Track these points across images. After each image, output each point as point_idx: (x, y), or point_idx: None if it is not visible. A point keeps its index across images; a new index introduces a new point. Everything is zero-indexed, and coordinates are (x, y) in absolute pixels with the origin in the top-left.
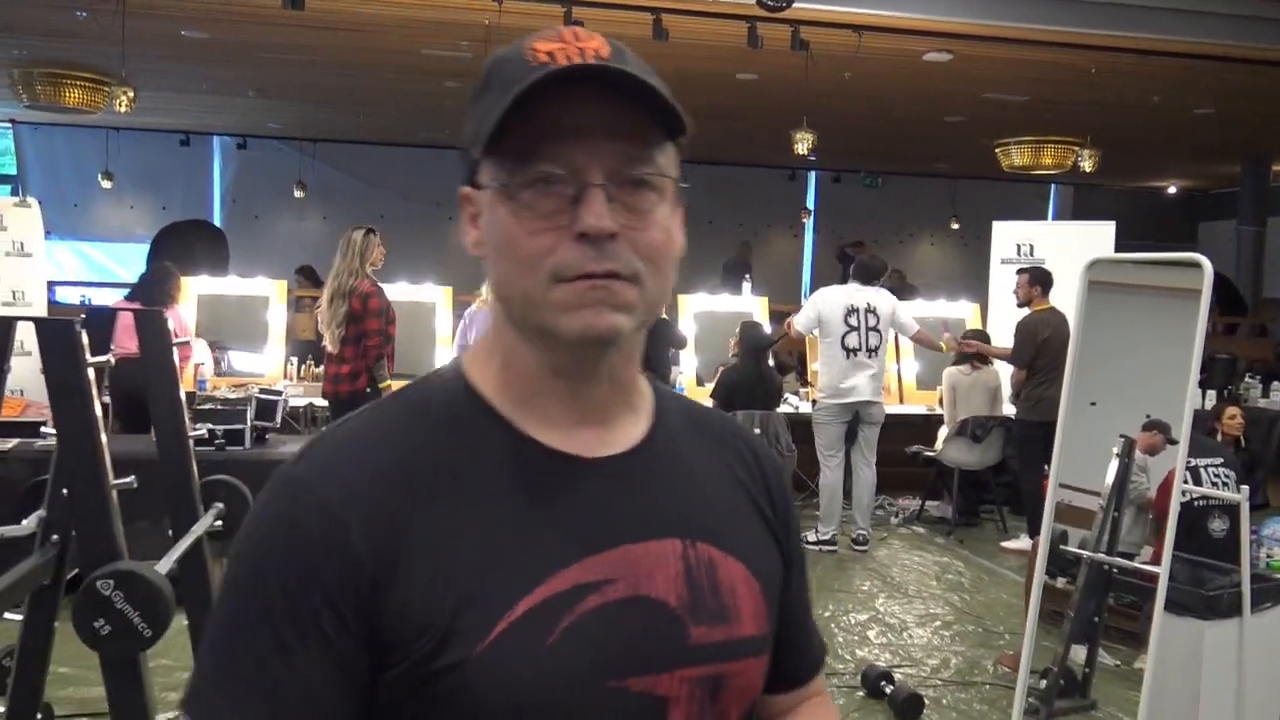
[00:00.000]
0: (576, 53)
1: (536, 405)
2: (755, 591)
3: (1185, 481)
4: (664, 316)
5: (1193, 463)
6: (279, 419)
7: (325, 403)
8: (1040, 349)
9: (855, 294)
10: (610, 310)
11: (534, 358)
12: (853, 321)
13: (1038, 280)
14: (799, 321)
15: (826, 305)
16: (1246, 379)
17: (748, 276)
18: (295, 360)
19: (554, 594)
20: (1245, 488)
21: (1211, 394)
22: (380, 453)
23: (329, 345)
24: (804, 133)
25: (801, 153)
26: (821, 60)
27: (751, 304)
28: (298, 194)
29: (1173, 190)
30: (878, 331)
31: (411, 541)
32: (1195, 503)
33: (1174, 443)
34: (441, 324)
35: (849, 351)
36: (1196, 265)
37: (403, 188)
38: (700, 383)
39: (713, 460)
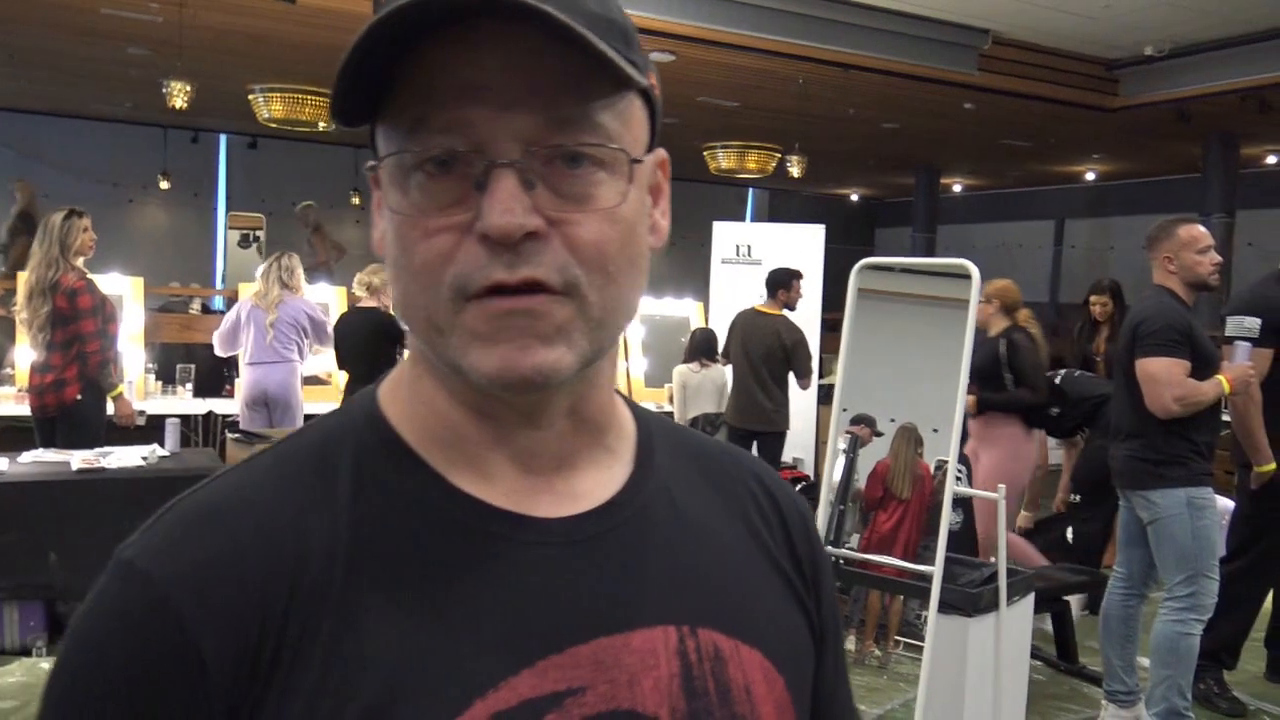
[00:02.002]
0: None
1: (467, 452)
2: (779, 691)
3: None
4: (390, 312)
5: (939, 460)
6: None
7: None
8: (728, 345)
9: None
10: (538, 343)
11: (455, 395)
12: None
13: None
14: None
15: None
16: None
17: None
18: None
19: (494, 715)
20: (1003, 485)
21: None
22: (249, 524)
23: (33, 351)
24: None
25: None
26: None
27: None
28: None
29: (855, 198)
30: None
31: (292, 644)
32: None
33: (880, 434)
34: (132, 318)
35: None
36: (966, 275)
37: (73, 165)
38: None
39: (718, 510)
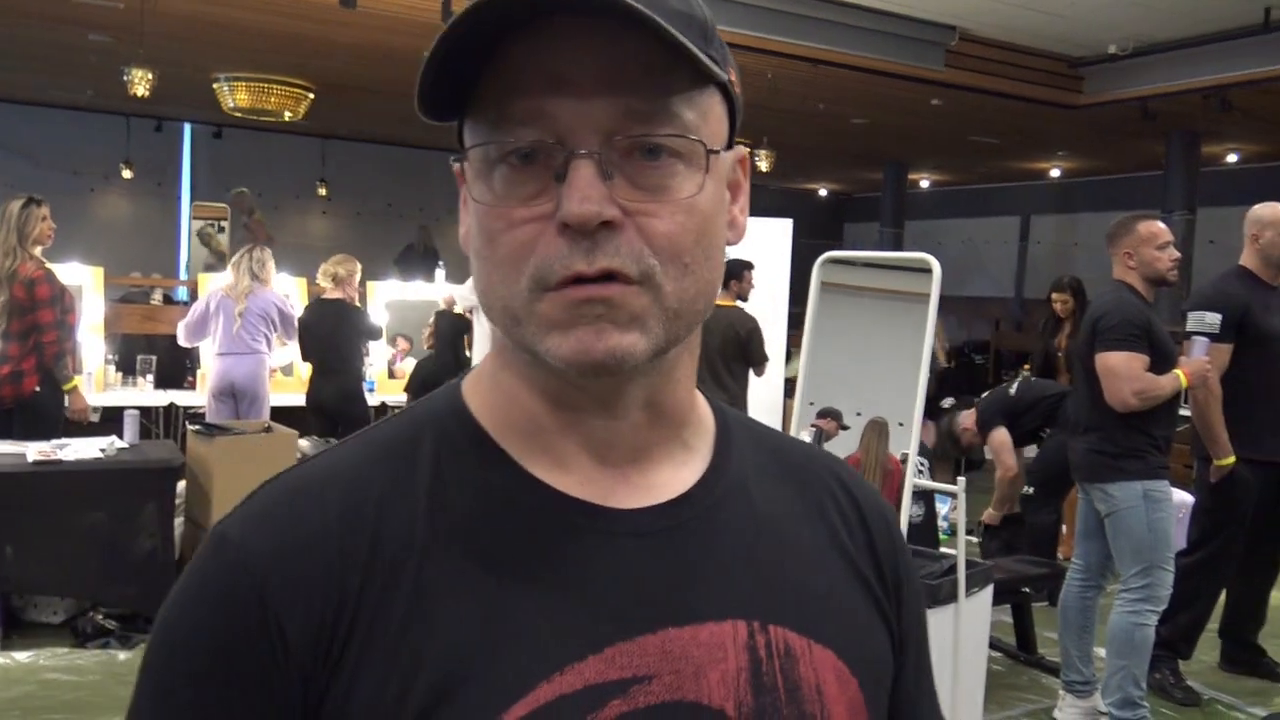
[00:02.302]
0: None
1: (545, 441)
2: (852, 693)
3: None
4: (356, 304)
5: (903, 453)
6: None
7: None
8: None
9: None
10: (613, 328)
11: (534, 385)
12: None
13: None
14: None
15: None
16: None
17: (441, 263)
18: None
19: (558, 697)
20: (962, 479)
21: None
22: (334, 505)
23: None
24: None
25: None
26: None
27: (446, 292)
28: None
29: (824, 192)
30: None
31: (365, 624)
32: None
33: (846, 428)
34: (92, 309)
35: None
36: (927, 269)
37: (34, 153)
38: (391, 375)
39: (796, 510)
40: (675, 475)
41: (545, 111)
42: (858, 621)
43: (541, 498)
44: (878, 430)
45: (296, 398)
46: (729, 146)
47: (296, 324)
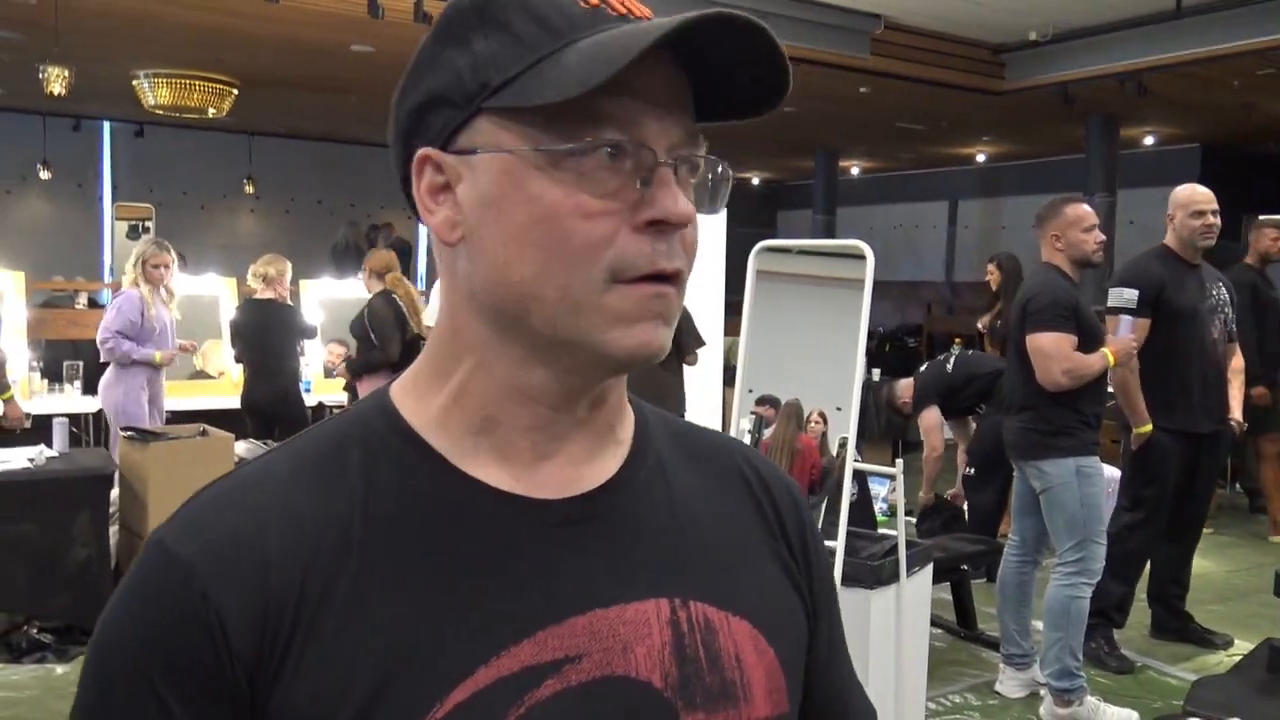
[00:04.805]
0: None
1: (492, 437)
2: (769, 660)
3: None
4: (289, 303)
5: (842, 436)
6: None
7: None
8: None
9: None
10: (663, 324)
11: (519, 378)
12: None
13: None
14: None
15: None
16: None
17: None
18: None
19: (496, 680)
20: (900, 461)
21: None
22: (270, 508)
23: None
24: None
25: None
26: None
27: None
28: None
29: (756, 181)
30: None
31: (306, 621)
32: None
33: None
34: (14, 315)
35: None
36: (861, 256)
37: None
38: (329, 375)
39: (708, 492)
40: (603, 466)
41: (636, 120)
42: (773, 593)
43: (470, 493)
44: (789, 413)
45: (232, 400)
46: None
47: (111, 324)
